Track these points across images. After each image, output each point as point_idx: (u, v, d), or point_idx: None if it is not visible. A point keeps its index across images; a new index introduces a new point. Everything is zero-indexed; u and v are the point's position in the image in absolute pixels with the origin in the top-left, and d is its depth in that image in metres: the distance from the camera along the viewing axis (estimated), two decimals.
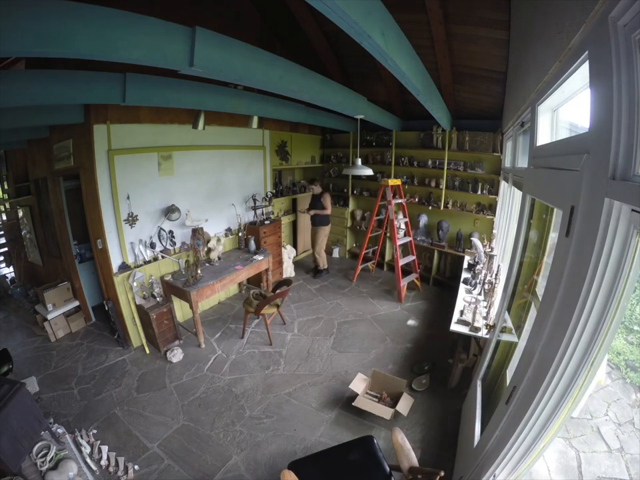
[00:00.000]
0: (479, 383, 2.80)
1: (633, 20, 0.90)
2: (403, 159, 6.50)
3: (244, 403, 3.51)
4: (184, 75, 2.17)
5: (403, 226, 6.12)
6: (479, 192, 5.63)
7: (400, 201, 6.00)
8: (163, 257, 4.62)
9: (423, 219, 6.39)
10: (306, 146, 7.43)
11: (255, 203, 5.94)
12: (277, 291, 4.52)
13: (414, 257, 6.14)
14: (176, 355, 4.18)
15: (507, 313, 2.73)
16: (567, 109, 2.03)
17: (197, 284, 4.32)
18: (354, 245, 7.73)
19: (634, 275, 1.06)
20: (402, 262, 5.78)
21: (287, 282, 4.66)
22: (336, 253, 7.78)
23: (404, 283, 5.79)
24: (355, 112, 4.18)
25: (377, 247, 6.78)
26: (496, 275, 3.62)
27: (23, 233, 5.91)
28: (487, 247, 4.86)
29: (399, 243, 5.76)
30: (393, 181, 5.76)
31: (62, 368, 4.09)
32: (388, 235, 6.69)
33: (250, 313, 4.48)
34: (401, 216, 6.11)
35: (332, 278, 6.61)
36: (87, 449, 2.71)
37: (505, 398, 1.80)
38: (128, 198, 4.13)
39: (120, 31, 1.66)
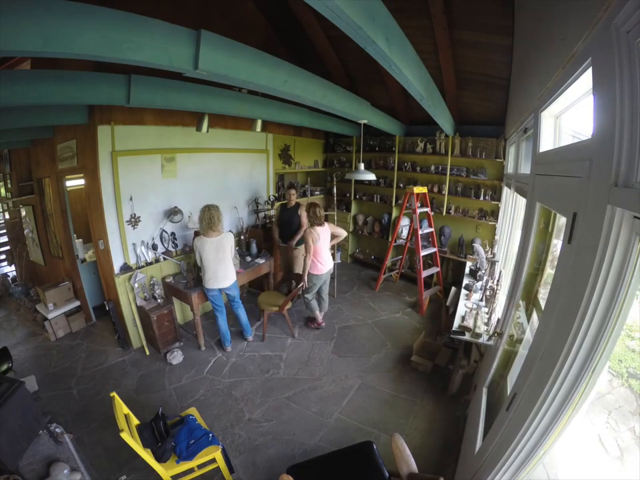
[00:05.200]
0: (484, 390, 2.78)
1: (636, 27, 0.90)
2: (405, 164, 6.50)
3: (243, 406, 3.50)
4: (188, 77, 2.18)
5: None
6: (482, 198, 5.63)
7: (426, 209, 5.74)
8: (164, 258, 4.63)
9: (425, 225, 6.37)
10: (309, 150, 7.44)
11: (257, 206, 5.95)
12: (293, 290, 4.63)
13: (438, 269, 5.89)
14: (176, 357, 4.17)
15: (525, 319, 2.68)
16: (571, 115, 2.03)
17: (198, 286, 4.32)
18: (356, 250, 7.73)
19: (636, 282, 1.05)
20: (425, 273, 5.59)
21: (297, 278, 4.66)
22: (338, 258, 7.78)
23: (426, 295, 5.61)
24: (358, 117, 4.19)
25: (401, 257, 6.52)
26: (497, 281, 3.61)
27: (25, 232, 5.94)
28: (489, 253, 4.85)
29: (422, 253, 5.56)
30: (418, 189, 5.53)
31: (61, 367, 4.10)
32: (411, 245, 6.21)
33: (273, 311, 4.57)
34: (425, 225, 5.84)
35: (333, 283, 6.60)
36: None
37: (506, 405, 1.79)
38: (131, 199, 4.14)
39: (126, 32, 1.67)
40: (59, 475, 2.20)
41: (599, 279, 1.08)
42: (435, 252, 5.83)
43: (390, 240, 6.43)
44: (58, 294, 4.86)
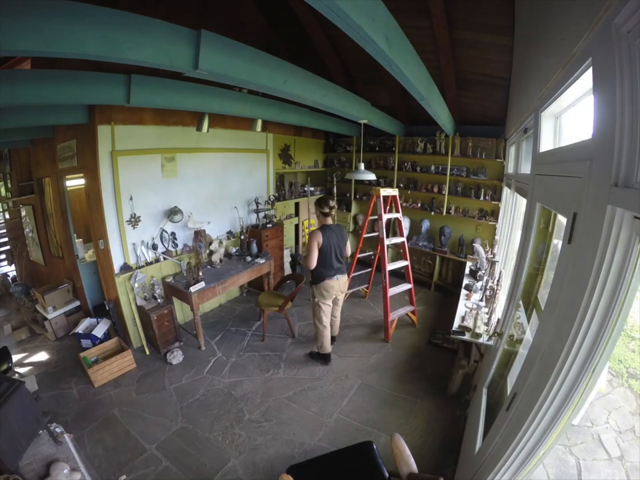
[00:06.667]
0: (484, 390, 2.79)
1: (636, 27, 0.90)
2: (406, 164, 6.51)
3: (243, 406, 3.50)
4: (189, 77, 2.18)
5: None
6: (482, 198, 5.63)
7: (396, 215, 5.08)
8: (164, 258, 4.63)
9: (425, 224, 6.38)
10: (309, 150, 7.44)
11: (257, 206, 5.95)
12: (294, 289, 4.62)
13: (407, 263, 5.05)
14: (176, 357, 4.17)
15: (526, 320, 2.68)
16: (571, 115, 2.03)
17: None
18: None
19: (636, 282, 1.05)
20: (390, 267, 4.74)
21: (297, 278, 4.65)
22: None
23: (394, 316, 4.76)
24: (358, 117, 4.18)
25: (373, 254, 6.12)
26: (497, 281, 3.61)
27: (25, 232, 5.94)
28: (489, 253, 4.85)
29: (389, 268, 4.68)
30: (386, 190, 4.88)
31: (62, 367, 4.10)
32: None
33: (272, 311, 4.57)
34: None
35: None
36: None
37: (506, 405, 1.79)
38: (131, 199, 4.14)
39: (126, 32, 1.67)
40: (59, 475, 2.20)
41: (599, 279, 1.08)
42: (403, 242, 5.05)
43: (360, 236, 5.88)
44: (57, 296, 4.85)
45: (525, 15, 2.60)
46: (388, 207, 5.33)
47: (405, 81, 2.66)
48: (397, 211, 5.10)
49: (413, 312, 5.12)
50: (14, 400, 2.17)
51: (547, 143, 2.20)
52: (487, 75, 4.26)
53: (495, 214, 5.60)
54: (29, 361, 4.25)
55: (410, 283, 5.09)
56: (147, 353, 4.36)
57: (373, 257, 6.26)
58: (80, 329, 4.29)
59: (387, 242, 4.73)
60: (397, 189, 5.15)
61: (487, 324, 3.37)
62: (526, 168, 3.34)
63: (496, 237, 5.08)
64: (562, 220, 1.66)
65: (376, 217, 4.91)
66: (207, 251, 4.94)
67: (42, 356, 4.34)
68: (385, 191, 4.84)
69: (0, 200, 6.50)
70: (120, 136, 3.92)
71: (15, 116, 3.09)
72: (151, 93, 3.02)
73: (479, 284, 4.35)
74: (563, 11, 1.50)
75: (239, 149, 5.60)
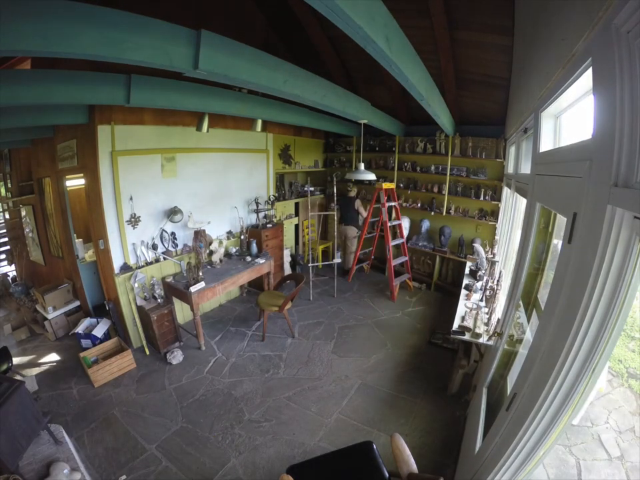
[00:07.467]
0: (484, 390, 2.78)
1: (636, 27, 0.90)
2: (406, 164, 6.51)
3: (243, 406, 3.50)
4: (189, 77, 2.18)
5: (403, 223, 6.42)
6: (482, 198, 5.63)
7: (393, 203, 6.17)
8: (164, 258, 4.63)
9: (425, 224, 6.39)
10: (309, 150, 7.44)
11: (257, 206, 5.95)
12: (294, 289, 4.65)
13: (406, 258, 6.35)
14: (176, 357, 4.17)
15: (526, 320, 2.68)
16: (571, 115, 2.03)
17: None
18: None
19: (636, 282, 1.05)
20: (394, 262, 6.00)
21: (297, 277, 4.64)
22: (338, 258, 7.75)
23: (397, 282, 6.03)
24: (358, 117, 4.18)
25: (371, 249, 7.05)
26: (497, 281, 3.61)
27: (25, 232, 5.94)
28: (489, 253, 4.85)
29: (392, 243, 6.01)
30: (387, 185, 5.89)
31: (61, 367, 4.10)
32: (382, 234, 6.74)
33: (272, 311, 4.57)
34: (394, 215, 6.36)
35: (333, 282, 6.59)
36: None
37: (506, 405, 1.79)
38: (131, 199, 4.14)
39: (126, 32, 1.68)
40: (59, 475, 2.21)
41: (599, 279, 1.08)
42: (403, 242, 6.31)
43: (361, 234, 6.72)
44: (57, 296, 4.85)
45: (525, 15, 2.60)
46: (386, 197, 6.02)
47: (404, 81, 2.66)
48: (398, 218, 6.25)
49: (409, 279, 6.38)
50: (14, 400, 2.17)
51: (546, 143, 2.19)
52: (487, 75, 4.26)
53: (494, 214, 5.60)
54: (28, 361, 4.25)
55: (408, 272, 6.40)
56: (147, 353, 4.36)
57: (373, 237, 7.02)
58: (80, 329, 4.30)
59: (390, 223, 5.99)
60: (394, 184, 6.11)
61: (487, 324, 3.37)
62: (526, 168, 3.33)
63: (496, 237, 5.09)
64: (562, 220, 1.66)
65: (377, 219, 6.48)
66: (207, 251, 4.94)
67: (42, 356, 4.34)
68: (385, 185, 5.86)
69: (0, 200, 6.50)
70: (120, 136, 3.92)
71: (15, 116, 3.09)
72: (150, 93, 3.02)
73: (479, 284, 4.35)
74: (563, 10, 1.50)
75: (238, 149, 5.60)
